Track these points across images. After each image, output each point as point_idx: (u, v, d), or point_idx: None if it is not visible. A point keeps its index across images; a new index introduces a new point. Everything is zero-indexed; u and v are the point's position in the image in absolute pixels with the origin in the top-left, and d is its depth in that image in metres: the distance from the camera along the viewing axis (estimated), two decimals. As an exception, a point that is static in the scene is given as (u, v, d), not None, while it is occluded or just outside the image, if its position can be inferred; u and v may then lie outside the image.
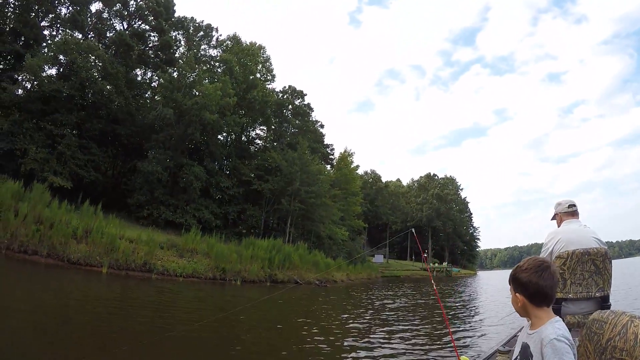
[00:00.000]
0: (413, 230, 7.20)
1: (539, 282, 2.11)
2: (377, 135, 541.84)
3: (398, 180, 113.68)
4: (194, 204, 37.37)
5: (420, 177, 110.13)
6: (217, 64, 47.49)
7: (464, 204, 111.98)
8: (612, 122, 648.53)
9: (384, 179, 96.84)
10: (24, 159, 29.50)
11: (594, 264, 4.01)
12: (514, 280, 2.22)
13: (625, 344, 2.21)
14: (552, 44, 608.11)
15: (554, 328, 2.02)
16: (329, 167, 62.05)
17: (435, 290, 4.40)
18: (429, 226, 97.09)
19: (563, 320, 3.57)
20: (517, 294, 2.20)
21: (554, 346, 1.95)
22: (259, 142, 54.87)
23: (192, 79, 40.18)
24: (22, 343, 7.56)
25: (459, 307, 21.09)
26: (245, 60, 49.21)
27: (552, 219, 4.74)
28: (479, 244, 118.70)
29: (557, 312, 3.85)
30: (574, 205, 4.43)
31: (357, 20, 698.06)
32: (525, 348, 2.18)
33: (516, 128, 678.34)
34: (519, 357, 2.25)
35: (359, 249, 59.03)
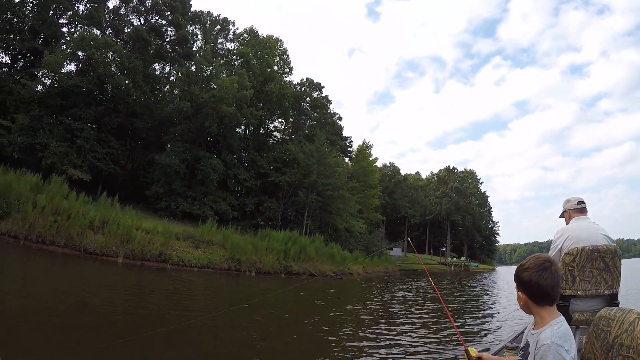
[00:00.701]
0: (409, 240, 7.24)
1: (539, 281, 2.11)
2: (397, 128, 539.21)
3: (417, 173, 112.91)
4: (212, 195, 37.70)
5: (440, 170, 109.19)
6: (234, 57, 47.58)
7: (483, 198, 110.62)
8: (637, 116, 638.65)
9: (403, 172, 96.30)
10: (45, 153, 30.10)
11: (604, 261, 3.98)
12: (517, 279, 2.22)
13: (633, 342, 2.19)
14: (574, 36, 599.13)
15: (552, 331, 2.02)
16: (347, 159, 61.81)
17: (434, 287, 4.38)
18: (447, 220, 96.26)
19: (572, 318, 3.86)
20: (519, 292, 2.22)
21: (544, 352, 1.96)
22: (277, 134, 55.00)
23: (209, 73, 40.45)
24: (42, 329, 7.70)
25: (468, 300, 20.96)
26: (262, 53, 49.16)
27: (560, 217, 4.72)
28: (498, 239, 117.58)
29: (566, 308, 3.95)
30: (583, 202, 4.41)
31: (376, 12, 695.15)
32: (525, 347, 2.21)
33: (537, 121, 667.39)
34: (521, 353, 2.28)
35: (376, 242, 58.84)
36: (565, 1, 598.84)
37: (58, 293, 11.32)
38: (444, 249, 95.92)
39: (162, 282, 17.61)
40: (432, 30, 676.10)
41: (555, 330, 2.01)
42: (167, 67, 46.20)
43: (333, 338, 9.64)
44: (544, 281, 2.10)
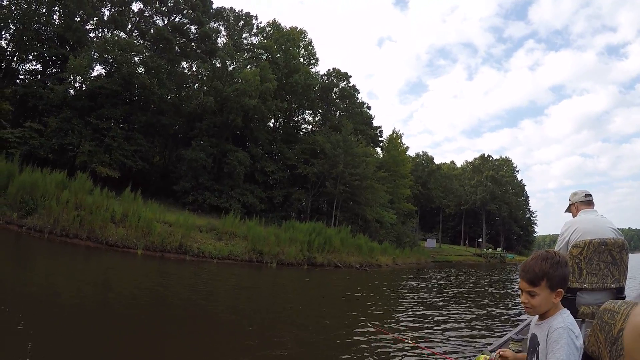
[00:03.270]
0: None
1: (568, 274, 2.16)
2: (431, 118, 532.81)
3: (452, 162, 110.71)
4: (239, 188, 38.15)
5: (475, 158, 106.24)
6: (258, 51, 47.82)
7: (520, 187, 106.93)
8: None
9: (437, 162, 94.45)
10: (76, 152, 31.22)
11: (611, 254, 3.98)
12: (554, 276, 2.18)
13: None
14: (608, 15, 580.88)
15: (563, 319, 2.06)
16: (378, 149, 61.40)
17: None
18: (483, 210, 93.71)
19: (577, 310, 3.92)
20: (547, 290, 2.17)
21: (559, 334, 1.99)
22: (307, 126, 55.27)
23: (232, 68, 40.92)
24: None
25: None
26: (287, 45, 49.21)
27: (566, 211, 4.76)
28: (536, 229, 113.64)
29: (572, 301, 3.97)
30: (590, 195, 4.44)
31: (404, 1, 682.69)
32: (533, 338, 2.23)
33: (575, 106, 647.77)
34: (527, 346, 2.31)
35: (408, 233, 58.15)
36: None
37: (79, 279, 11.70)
38: (480, 240, 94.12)
39: (175, 271, 17.87)
40: (462, 16, 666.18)
41: (566, 317, 2.07)
42: (193, 65, 46.96)
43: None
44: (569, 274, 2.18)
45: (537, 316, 2.24)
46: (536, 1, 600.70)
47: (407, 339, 4.50)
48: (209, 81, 39.59)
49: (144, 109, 37.26)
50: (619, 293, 4.01)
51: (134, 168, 34.81)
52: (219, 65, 41.77)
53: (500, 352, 2.55)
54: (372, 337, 8.73)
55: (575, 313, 3.80)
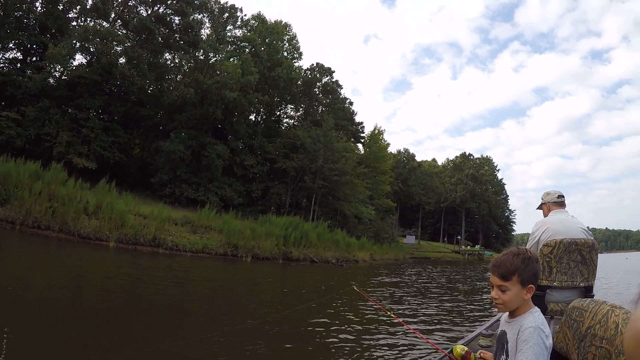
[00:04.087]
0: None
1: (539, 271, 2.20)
2: (414, 115, 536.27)
3: (433, 160, 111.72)
4: (217, 182, 38.08)
5: (456, 157, 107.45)
6: (241, 43, 47.58)
7: (500, 186, 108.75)
8: None
9: (420, 159, 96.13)
10: (53, 143, 30.90)
11: (581, 254, 4.10)
12: (524, 272, 2.20)
13: (606, 333, 2.22)
14: (594, 20, 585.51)
15: (534, 318, 2.08)
16: (360, 145, 61.53)
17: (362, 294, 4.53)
18: (462, 207, 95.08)
19: (547, 308, 4.01)
20: (518, 285, 2.19)
21: (529, 334, 2.00)
22: (289, 121, 55.08)
23: (215, 60, 40.72)
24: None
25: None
26: (271, 39, 49.19)
27: (537, 208, 4.87)
28: (514, 228, 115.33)
29: (542, 298, 4.05)
30: (563, 197, 4.58)
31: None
32: (502, 335, 2.25)
33: (557, 108, 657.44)
34: (495, 343, 2.35)
35: (387, 229, 58.42)
36: None
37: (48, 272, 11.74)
38: (458, 237, 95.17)
39: (140, 264, 17.91)
40: (449, 16, 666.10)
41: (537, 317, 2.09)
42: (176, 57, 46.55)
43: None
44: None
45: (507, 313, 2.25)
46: (523, 4, 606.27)
47: (390, 314, 4.65)
48: (190, 73, 39.25)
49: (123, 100, 36.99)
50: (587, 292, 4.13)
51: (111, 160, 34.46)
52: (201, 58, 41.47)
53: (481, 354, 2.59)
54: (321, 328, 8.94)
55: (544, 310, 3.94)
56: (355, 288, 5.05)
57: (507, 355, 2.12)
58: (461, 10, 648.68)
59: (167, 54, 45.22)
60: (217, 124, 42.09)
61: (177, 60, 45.89)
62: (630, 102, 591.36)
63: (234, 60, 40.57)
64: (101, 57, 33.70)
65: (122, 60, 36.59)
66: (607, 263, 59.70)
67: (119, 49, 36.35)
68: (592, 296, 4.06)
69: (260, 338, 7.89)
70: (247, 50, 45.59)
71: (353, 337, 8.77)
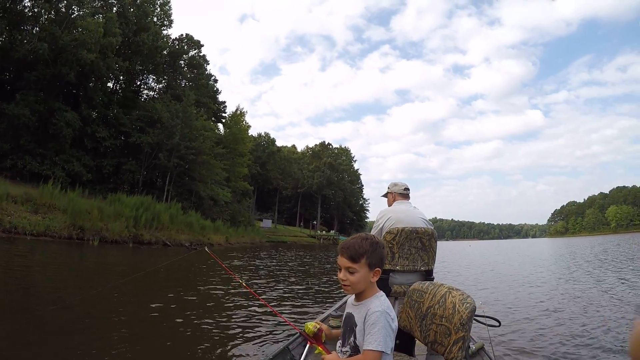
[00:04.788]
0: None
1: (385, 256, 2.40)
2: (279, 101, 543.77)
3: (293, 146, 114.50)
4: (65, 154, 35.51)
5: (315, 145, 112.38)
6: (110, 0, 43.46)
7: (356, 175, 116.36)
8: (506, 119, 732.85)
9: (281, 144, 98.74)
10: None
11: (421, 241, 4.36)
12: (372, 256, 2.21)
13: (445, 312, 2.52)
14: (462, 39, 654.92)
15: (380, 302, 2.15)
16: (220, 125, 61.35)
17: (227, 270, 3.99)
18: (319, 194, 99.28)
19: (390, 290, 4.24)
20: (367, 268, 2.20)
21: (376, 318, 2.06)
22: (150, 93, 52.59)
23: (77, 15, 36.59)
24: None
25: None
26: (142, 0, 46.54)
27: (383, 196, 5.17)
28: (368, 215, 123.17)
29: (385, 281, 4.26)
30: (408, 189, 4.88)
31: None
32: (349, 317, 2.28)
33: (415, 110, 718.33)
34: (342, 325, 2.37)
35: (244, 212, 58.75)
36: (462, 7, 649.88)
37: None
38: (314, 222, 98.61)
39: None
40: (329, 9, 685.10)
41: (383, 301, 2.15)
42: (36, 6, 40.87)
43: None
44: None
45: (353, 296, 2.30)
46: (401, 12, 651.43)
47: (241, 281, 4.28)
48: (48, 26, 34.65)
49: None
50: (428, 275, 4.43)
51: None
52: (63, 10, 36.80)
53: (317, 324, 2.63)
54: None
55: (388, 292, 4.17)
56: (207, 250, 4.86)
57: (356, 337, 2.18)
58: (342, 6, 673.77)
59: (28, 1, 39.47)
60: (71, 88, 39.04)
61: (35, 10, 40.39)
62: (481, 114, 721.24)
63: (98, 18, 36.90)
64: None
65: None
66: (455, 249, 65.50)
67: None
68: (433, 279, 4.40)
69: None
70: (114, 9, 41.83)
71: (201, 311, 8.38)
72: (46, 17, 37.42)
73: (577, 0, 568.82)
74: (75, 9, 37.29)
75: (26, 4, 38.97)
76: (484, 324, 4.02)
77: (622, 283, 14.29)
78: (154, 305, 8.61)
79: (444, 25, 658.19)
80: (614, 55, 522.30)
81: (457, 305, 2.45)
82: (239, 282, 3.92)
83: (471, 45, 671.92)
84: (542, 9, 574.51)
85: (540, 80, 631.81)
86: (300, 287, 13.93)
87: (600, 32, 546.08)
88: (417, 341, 2.90)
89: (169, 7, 51.56)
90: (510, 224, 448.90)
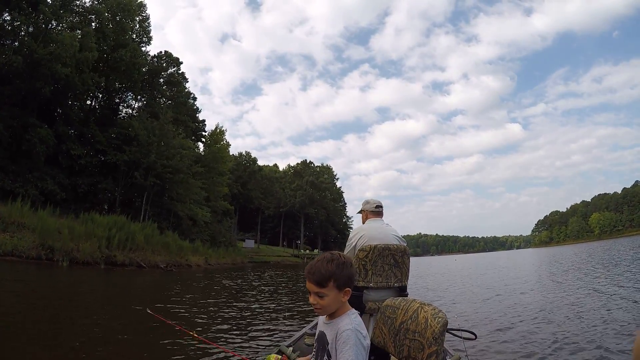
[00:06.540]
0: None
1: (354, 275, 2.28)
2: (260, 121, 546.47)
3: (275, 165, 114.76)
4: (38, 172, 34.53)
5: (297, 163, 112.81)
6: (89, 15, 43.22)
7: (338, 194, 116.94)
8: (486, 133, 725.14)
9: (262, 164, 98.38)
10: None
11: (394, 258, 4.40)
12: (340, 276, 2.17)
13: (417, 327, 2.56)
14: (440, 57, 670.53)
15: (350, 320, 2.11)
16: (200, 144, 60.95)
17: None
18: (301, 213, 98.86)
19: (365, 306, 4.27)
20: (335, 290, 2.17)
21: (347, 336, 2.02)
22: (127, 110, 51.75)
23: (55, 28, 36.07)
24: None
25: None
26: (121, 15, 46.03)
27: (358, 212, 5.19)
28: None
29: (360, 298, 4.31)
30: (381, 207, 4.89)
31: (256, 3, 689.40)
32: (321, 336, 2.26)
33: (396, 128, 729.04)
34: (315, 344, 2.33)
35: (224, 232, 57.99)
36: (439, 25, 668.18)
37: None
38: (298, 242, 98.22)
39: None
40: (309, 29, 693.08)
41: (353, 319, 2.12)
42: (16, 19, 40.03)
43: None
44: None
45: (325, 316, 2.28)
46: (380, 32, 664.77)
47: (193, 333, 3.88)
48: (25, 38, 33.90)
49: None
50: (401, 291, 4.47)
51: None
52: (43, 26, 36.14)
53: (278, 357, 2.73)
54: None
55: (363, 309, 4.24)
56: (149, 311, 4.76)
57: (330, 356, 2.14)
58: (322, 26, 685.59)
59: (7, 13, 38.61)
60: (47, 104, 38.26)
61: (14, 24, 39.60)
62: (462, 129, 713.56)
63: (77, 33, 36.29)
64: None
65: None
66: (441, 264, 65.95)
67: None
68: (406, 295, 4.46)
69: None
70: (93, 24, 41.44)
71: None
72: (24, 29, 36.79)
73: (552, 15, 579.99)
74: (54, 23, 36.90)
75: (6, 18, 38.49)
76: (460, 337, 3.97)
77: (595, 291, 14.82)
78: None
79: (422, 44, 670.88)
80: (589, 66, 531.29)
81: (429, 320, 2.53)
82: (192, 335, 3.99)
83: (449, 62, 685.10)
84: (518, 24, 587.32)
85: (518, 94, 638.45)
86: (278, 305, 13.36)
87: (575, 44, 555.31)
88: (392, 357, 2.92)
89: (148, 23, 51.14)
90: (494, 236, 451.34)
